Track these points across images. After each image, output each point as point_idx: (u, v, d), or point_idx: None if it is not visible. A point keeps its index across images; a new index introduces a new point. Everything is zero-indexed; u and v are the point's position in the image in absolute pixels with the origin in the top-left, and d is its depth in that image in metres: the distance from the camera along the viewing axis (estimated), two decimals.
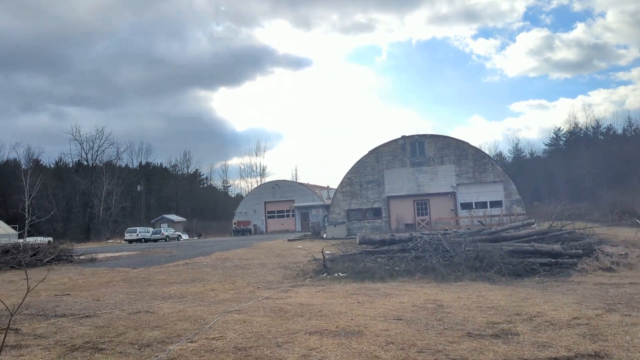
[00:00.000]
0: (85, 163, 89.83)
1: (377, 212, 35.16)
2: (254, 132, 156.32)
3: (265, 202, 67.08)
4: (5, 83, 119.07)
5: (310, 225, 50.42)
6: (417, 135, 35.46)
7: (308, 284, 12.54)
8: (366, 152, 35.98)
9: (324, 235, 33.83)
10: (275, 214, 66.96)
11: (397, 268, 13.12)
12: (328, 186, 66.77)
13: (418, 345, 5.91)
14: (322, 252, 14.56)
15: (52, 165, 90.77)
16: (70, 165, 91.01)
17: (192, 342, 6.57)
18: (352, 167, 35.94)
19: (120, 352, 6.20)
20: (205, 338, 6.70)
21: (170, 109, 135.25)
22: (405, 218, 33.96)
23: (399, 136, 35.43)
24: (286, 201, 65.52)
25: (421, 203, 34.95)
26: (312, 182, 76.65)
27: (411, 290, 10.61)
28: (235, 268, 17.48)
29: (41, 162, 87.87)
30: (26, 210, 68.56)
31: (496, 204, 32.99)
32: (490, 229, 15.45)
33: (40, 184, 69.92)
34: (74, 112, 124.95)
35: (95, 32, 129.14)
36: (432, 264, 12.69)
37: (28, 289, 5.79)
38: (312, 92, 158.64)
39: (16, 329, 7.95)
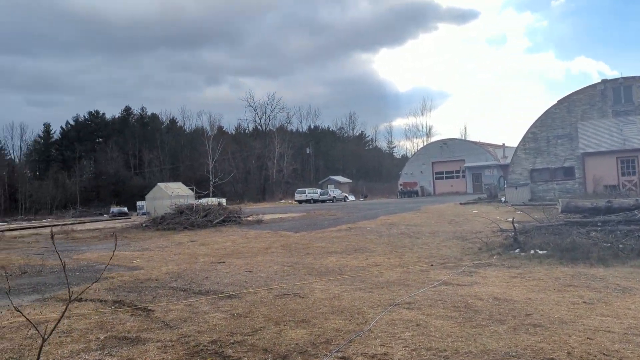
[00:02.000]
0: (259, 128, 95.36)
1: (568, 172, 29.90)
2: (418, 92, 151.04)
3: (432, 163, 63.62)
4: (192, 59, 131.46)
5: (484, 187, 46.07)
6: (622, 78, 28.98)
7: (496, 263, 9.84)
8: (555, 102, 30.62)
9: (502, 199, 29.92)
10: (444, 175, 63.21)
11: (622, 246, 9.68)
12: (504, 144, 60.74)
13: None
14: (512, 221, 11.62)
15: (233, 132, 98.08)
16: (247, 131, 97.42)
17: (343, 358, 4.57)
18: (537, 120, 30.94)
19: None
20: (362, 354, 4.64)
21: (335, 74, 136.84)
22: (606, 179, 28.24)
23: (598, 81, 29.36)
24: (455, 161, 61.24)
25: (628, 160, 28.73)
26: (483, 141, 70.80)
27: None
28: (402, 236, 15.36)
29: (224, 129, 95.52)
30: (210, 173, 75.12)
31: None
32: None
33: (221, 148, 75.74)
34: (249, 82, 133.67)
35: (264, 4, 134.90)
36: None
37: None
38: (480, 46, 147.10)
39: (149, 309, 6.82)
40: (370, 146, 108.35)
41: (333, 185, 67.99)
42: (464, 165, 59.84)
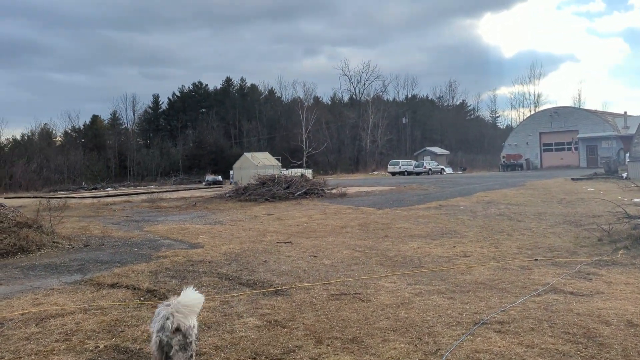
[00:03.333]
0: (354, 97, 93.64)
1: None
2: (526, 58, 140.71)
3: (540, 133, 58.45)
4: (291, 30, 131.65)
5: (601, 161, 41.17)
6: None
7: (623, 261, 7.67)
8: None
9: (624, 175, 26.11)
10: (553, 147, 57.88)
11: None
12: (625, 112, 53.98)
13: None
14: None
15: (328, 102, 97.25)
16: (341, 101, 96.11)
17: None
18: None
19: None
20: None
21: (434, 41, 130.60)
22: None
23: None
24: (567, 131, 55.67)
25: None
26: (601, 109, 63.82)
27: None
28: (500, 218, 13.27)
29: (320, 99, 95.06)
30: (304, 143, 75.04)
31: None
32: None
33: (315, 118, 75.17)
34: (345, 52, 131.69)
35: None
36: None
37: None
38: (596, 5, 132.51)
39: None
40: (472, 116, 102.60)
41: (429, 157, 65.03)
42: (577, 136, 54.24)
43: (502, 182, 28.65)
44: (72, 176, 63.50)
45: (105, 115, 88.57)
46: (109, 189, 48.58)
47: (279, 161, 39.90)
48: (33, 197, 31.14)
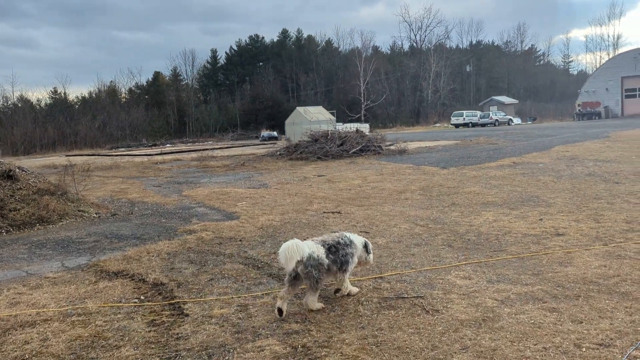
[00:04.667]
0: (414, 45, 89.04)
1: None
2: None
3: (622, 78, 53.13)
4: None
5: None
6: None
7: None
8: None
9: None
10: (637, 92, 52.59)
11: None
12: None
13: None
14: None
15: (387, 51, 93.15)
16: (401, 50, 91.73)
17: None
18: None
19: None
20: None
21: None
22: None
23: None
24: None
25: None
26: None
27: None
28: (591, 179, 11.15)
29: (379, 49, 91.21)
30: (362, 95, 72.34)
31: None
32: None
33: (373, 68, 71.98)
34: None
35: None
36: None
37: None
38: None
39: (182, 312, 4.39)
40: (542, 62, 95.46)
41: (496, 107, 61.02)
42: None
43: (582, 133, 25.72)
44: (134, 133, 64.59)
45: (166, 72, 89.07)
46: (167, 145, 48.84)
47: (334, 115, 38.03)
48: (91, 155, 31.33)
